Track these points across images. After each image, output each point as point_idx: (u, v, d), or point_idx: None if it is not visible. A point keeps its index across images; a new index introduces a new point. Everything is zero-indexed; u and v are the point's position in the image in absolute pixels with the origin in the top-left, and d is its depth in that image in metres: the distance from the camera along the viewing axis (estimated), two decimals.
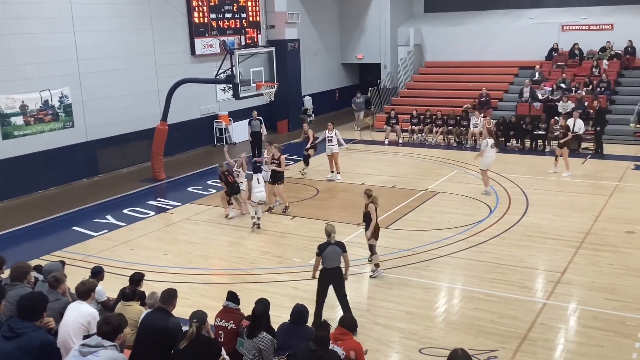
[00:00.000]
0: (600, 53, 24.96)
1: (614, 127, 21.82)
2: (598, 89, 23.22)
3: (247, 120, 21.45)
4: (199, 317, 6.32)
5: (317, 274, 9.51)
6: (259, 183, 14.10)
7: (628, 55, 24.72)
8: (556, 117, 20.64)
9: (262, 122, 20.71)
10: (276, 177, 15.30)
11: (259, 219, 14.27)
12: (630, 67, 24.60)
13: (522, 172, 18.34)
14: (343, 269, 9.50)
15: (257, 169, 14.38)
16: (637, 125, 21.30)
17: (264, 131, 20.75)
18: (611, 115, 22.50)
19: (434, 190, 16.80)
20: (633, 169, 18.25)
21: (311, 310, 8.27)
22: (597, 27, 25.81)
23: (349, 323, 6.98)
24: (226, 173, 14.97)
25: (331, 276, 9.40)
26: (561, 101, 22.29)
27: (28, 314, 5.63)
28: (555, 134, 19.37)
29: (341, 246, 9.41)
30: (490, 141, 16.13)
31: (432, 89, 27.08)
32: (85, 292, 6.70)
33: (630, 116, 21.92)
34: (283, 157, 15.43)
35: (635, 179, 17.05)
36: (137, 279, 8.18)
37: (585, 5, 26.85)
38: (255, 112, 20.73)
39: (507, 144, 21.61)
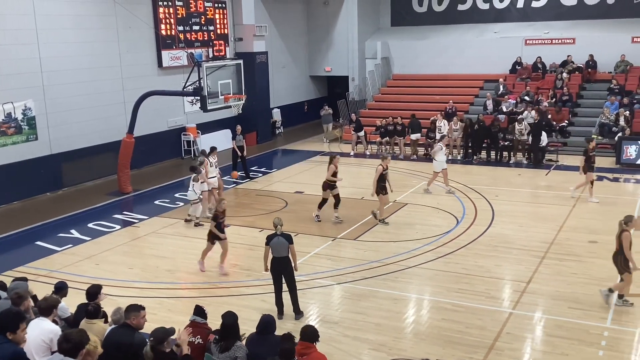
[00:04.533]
0: (561, 67, 25.49)
1: (577, 139, 22.28)
2: (560, 102, 23.72)
3: (232, 135, 21.01)
4: (156, 335, 6.19)
5: (269, 263, 10.22)
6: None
7: (589, 68, 25.34)
8: (518, 119, 21.48)
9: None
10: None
11: (197, 217, 15.44)
12: (592, 80, 25.22)
13: (488, 183, 18.61)
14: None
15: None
16: (599, 137, 21.77)
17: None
18: (574, 127, 23.00)
19: (402, 201, 16.93)
20: (596, 180, 18.62)
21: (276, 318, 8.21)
22: (560, 41, 26.45)
23: (310, 335, 6.76)
24: None
25: (280, 265, 10.11)
26: (525, 111, 22.66)
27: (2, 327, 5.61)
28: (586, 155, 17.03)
29: (287, 238, 10.11)
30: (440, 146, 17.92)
31: (399, 101, 27.35)
32: (47, 308, 6.57)
33: (592, 128, 22.46)
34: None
35: (597, 190, 17.37)
36: (93, 292, 7.70)
37: (547, 20, 27.46)
38: (239, 127, 20.37)
39: (475, 156, 21.87)
